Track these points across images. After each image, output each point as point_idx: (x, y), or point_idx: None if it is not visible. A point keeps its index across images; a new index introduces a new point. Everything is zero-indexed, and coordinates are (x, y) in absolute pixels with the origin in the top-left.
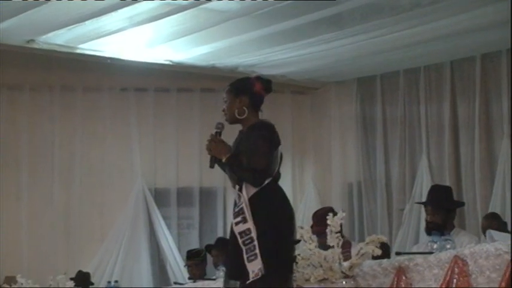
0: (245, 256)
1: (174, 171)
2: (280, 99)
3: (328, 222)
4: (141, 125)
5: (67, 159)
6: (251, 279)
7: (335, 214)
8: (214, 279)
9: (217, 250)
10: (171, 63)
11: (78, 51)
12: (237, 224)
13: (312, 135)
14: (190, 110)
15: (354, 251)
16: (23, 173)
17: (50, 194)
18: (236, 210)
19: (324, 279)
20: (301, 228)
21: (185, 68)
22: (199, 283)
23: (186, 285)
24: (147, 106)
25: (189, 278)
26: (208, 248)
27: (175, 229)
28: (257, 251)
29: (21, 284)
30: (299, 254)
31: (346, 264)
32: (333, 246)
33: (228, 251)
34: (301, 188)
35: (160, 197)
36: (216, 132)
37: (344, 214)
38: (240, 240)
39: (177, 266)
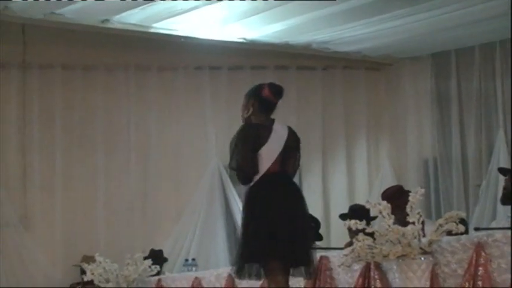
0: None
1: None
2: (355, 76)
3: (410, 198)
4: (215, 103)
5: (142, 139)
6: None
7: (404, 192)
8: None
9: None
10: (244, 41)
11: (152, 30)
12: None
13: (387, 112)
14: None
15: (427, 228)
16: (99, 153)
17: (126, 173)
18: None
19: (402, 255)
20: (379, 204)
21: (259, 45)
22: None
23: None
24: (221, 84)
25: None
26: None
27: None
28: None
29: (100, 262)
30: (376, 231)
31: (424, 240)
32: (413, 223)
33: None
34: (377, 165)
35: (235, 174)
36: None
37: (423, 191)
38: None
39: None
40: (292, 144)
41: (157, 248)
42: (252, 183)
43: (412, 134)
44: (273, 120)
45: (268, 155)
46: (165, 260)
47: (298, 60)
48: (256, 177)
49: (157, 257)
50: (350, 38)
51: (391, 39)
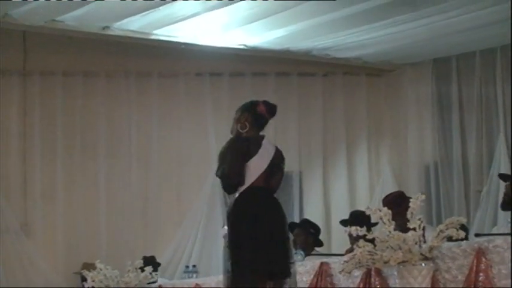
0: None
1: None
2: (355, 82)
3: (410, 204)
4: (216, 109)
5: (144, 145)
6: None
7: (405, 198)
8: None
9: (300, 230)
10: (245, 47)
11: (152, 37)
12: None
13: (388, 118)
14: (265, 94)
15: (428, 234)
16: (100, 159)
17: (128, 179)
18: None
19: (403, 262)
20: (380, 210)
21: (259, 52)
22: None
23: None
24: (222, 90)
25: None
26: (291, 227)
27: None
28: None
29: (100, 269)
30: (377, 237)
31: (425, 246)
32: (413, 229)
33: None
34: (377, 170)
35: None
36: None
37: (423, 197)
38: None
39: None
40: (278, 162)
41: (151, 255)
42: (236, 195)
43: (413, 140)
44: (263, 137)
45: (255, 168)
46: (158, 264)
47: (299, 66)
48: (241, 189)
49: (150, 264)
50: (351, 44)
51: (392, 45)
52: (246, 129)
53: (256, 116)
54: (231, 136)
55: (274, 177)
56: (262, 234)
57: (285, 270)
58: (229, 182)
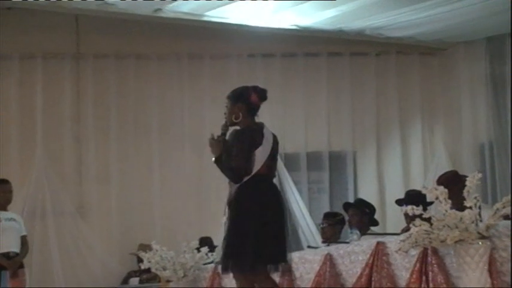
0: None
1: (303, 136)
2: (408, 61)
3: (467, 182)
4: (269, 90)
5: (196, 127)
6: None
7: (460, 177)
8: (347, 242)
9: (355, 209)
10: (297, 28)
11: (204, 18)
12: (225, 215)
13: (441, 97)
14: (318, 74)
15: (484, 213)
16: (153, 142)
17: (181, 161)
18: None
19: (460, 240)
20: (436, 189)
21: (312, 32)
22: (333, 246)
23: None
24: (275, 71)
25: (323, 242)
26: (346, 207)
27: (306, 194)
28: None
29: (156, 250)
30: (433, 216)
31: (481, 225)
32: (470, 207)
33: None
34: (432, 150)
35: (290, 161)
36: (222, 133)
37: (480, 175)
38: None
39: (309, 230)
40: (276, 149)
41: (207, 235)
42: (241, 183)
43: (467, 118)
44: (263, 125)
45: (260, 157)
46: (215, 247)
47: (352, 46)
48: (246, 178)
49: (206, 245)
50: (403, 23)
51: (445, 24)
52: (240, 119)
53: (249, 105)
54: (223, 124)
55: (275, 164)
56: (267, 221)
57: (283, 255)
58: (240, 174)
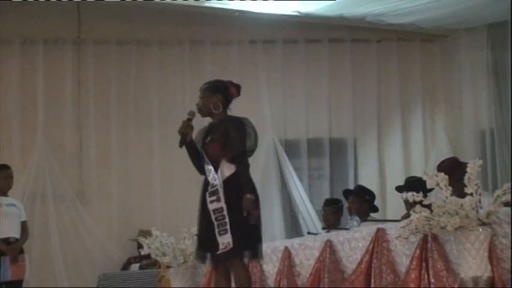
0: (216, 230)
1: (304, 122)
2: (410, 48)
3: (468, 169)
4: (270, 76)
5: (197, 113)
6: (220, 251)
7: (460, 164)
8: (347, 229)
9: (355, 196)
10: (299, 14)
11: (206, 4)
12: (211, 202)
13: (442, 84)
14: (319, 60)
15: (484, 200)
16: (154, 128)
17: (182, 148)
18: (211, 190)
19: (460, 227)
20: (436, 176)
21: (313, 18)
22: (333, 233)
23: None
24: (276, 58)
25: (323, 228)
26: (346, 194)
27: (306, 180)
28: (228, 226)
29: (156, 236)
30: (434, 202)
31: (481, 211)
32: (470, 194)
33: (200, 226)
34: (432, 137)
35: (290, 148)
36: (188, 119)
37: (481, 162)
38: (213, 216)
39: (309, 216)
40: None
41: None
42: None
43: (468, 106)
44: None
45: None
46: None
47: (353, 32)
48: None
49: None
50: (405, 9)
51: (446, 10)
52: (219, 110)
53: (228, 98)
54: (191, 111)
55: None
56: None
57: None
58: (246, 156)
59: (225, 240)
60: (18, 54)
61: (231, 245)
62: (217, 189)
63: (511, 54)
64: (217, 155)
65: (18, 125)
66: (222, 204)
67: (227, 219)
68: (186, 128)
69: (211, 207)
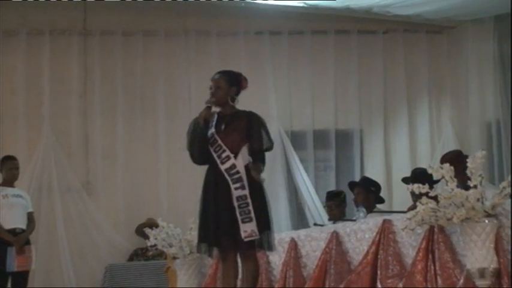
0: (239, 217)
1: (310, 114)
2: (416, 39)
3: (468, 164)
4: (276, 68)
5: (203, 104)
6: (248, 239)
7: (464, 157)
8: (354, 220)
9: (360, 188)
10: (305, 5)
11: None
12: (236, 189)
13: (449, 75)
14: (325, 52)
15: (489, 192)
16: (160, 119)
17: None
18: (235, 177)
19: (466, 219)
20: (441, 168)
21: (319, 10)
22: (339, 224)
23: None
24: (282, 49)
25: (329, 219)
26: (351, 186)
27: (313, 171)
28: (252, 214)
29: (163, 227)
30: (440, 194)
31: (487, 203)
32: (475, 186)
33: (217, 214)
34: (439, 128)
35: (296, 139)
36: (208, 107)
37: (484, 153)
38: (235, 203)
39: (315, 208)
40: None
41: None
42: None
43: (475, 97)
44: None
45: None
46: None
47: (359, 24)
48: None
49: None
50: (411, 1)
51: (453, 2)
52: (235, 103)
53: (238, 90)
54: (207, 104)
55: None
56: None
57: None
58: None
59: (248, 228)
60: (24, 45)
61: (257, 234)
62: (241, 176)
63: (511, 46)
64: (234, 146)
65: (24, 116)
66: (246, 192)
67: (251, 207)
68: (209, 115)
69: (236, 193)
